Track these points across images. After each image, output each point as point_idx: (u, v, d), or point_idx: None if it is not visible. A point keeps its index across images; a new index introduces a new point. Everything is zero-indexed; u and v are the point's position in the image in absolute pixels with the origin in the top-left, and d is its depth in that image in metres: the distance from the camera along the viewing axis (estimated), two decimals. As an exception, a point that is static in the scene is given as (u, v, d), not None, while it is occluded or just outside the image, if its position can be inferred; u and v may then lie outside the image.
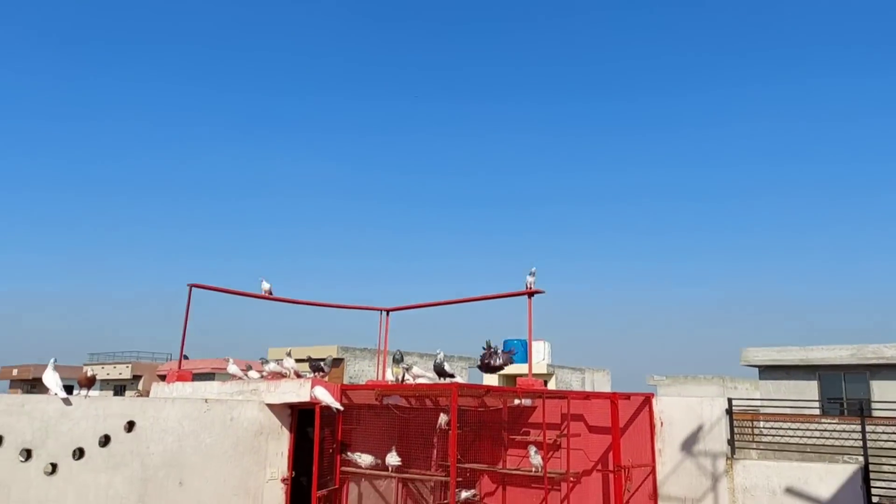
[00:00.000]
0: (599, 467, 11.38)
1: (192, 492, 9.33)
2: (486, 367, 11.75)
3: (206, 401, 9.85)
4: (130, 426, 8.90)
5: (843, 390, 18.76)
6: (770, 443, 11.27)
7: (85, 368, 8.67)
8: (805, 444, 10.75)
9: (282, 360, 11.56)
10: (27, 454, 8.06)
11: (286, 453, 10.47)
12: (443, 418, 11.61)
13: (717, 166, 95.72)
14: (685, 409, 11.25)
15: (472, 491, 11.83)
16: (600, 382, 28.65)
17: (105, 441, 8.66)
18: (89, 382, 8.95)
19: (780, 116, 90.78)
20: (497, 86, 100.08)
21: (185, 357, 12.18)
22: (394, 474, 10.97)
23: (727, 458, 10.60)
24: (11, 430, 7.95)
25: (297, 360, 11.46)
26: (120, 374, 37.35)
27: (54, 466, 8.23)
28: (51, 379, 8.55)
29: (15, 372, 37.35)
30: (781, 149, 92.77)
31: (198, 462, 9.44)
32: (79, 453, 8.43)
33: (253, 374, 11.44)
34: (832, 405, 18.01)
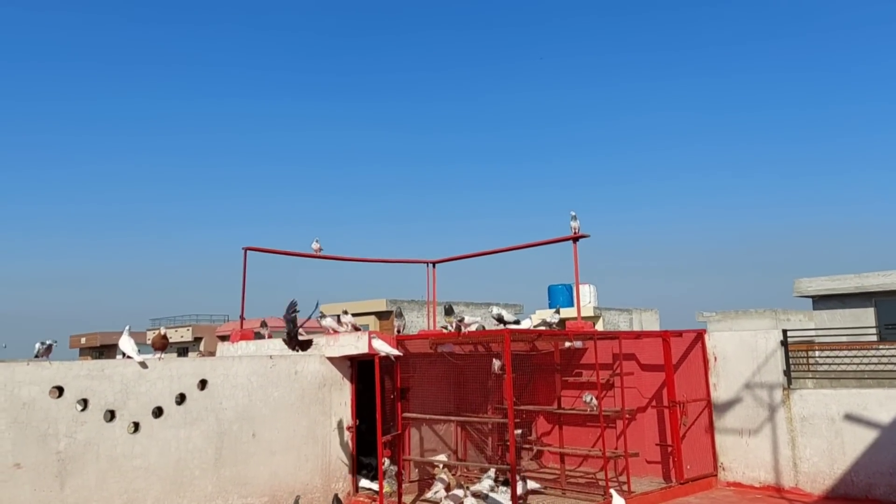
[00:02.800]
0: (654, 404, 11.57)
1: (265, 442, 9.83)
2: (292, 341, 9.93)
3: (270, 357, 10.28)
4: (203, 384, 9.38)
5: (901, 316, 18.45)
6: (826, 372, 11.26)
7: (159, 329, 9.12)
8: (862, 372, 10.72)
9: (339, 315, 11.94)
10: (111, 415, 8.59)
11: (349, 403, 10.90)
12: (496, 363, 11.89)
13: (757, 104, 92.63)
14: (739, 343, 11.31)
15: (529, 430, 12.16)
16: (648, 322, 28.62)
17: (181, 399, 9.16)
18: (163, 344, 9.41)
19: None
20: (534, 36, 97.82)
21: (244, 318, 12.65)
22: (452, 418, 11.35)
23: (783, 389, 10.67)
24: (94, 393, 8.46)
25: (353, 314, 11.82)
26: (181, 336, 38.67)
27: (136, 425, 8.76)
28: (127, 344, 9.06)
29: (83, 340, 39.03)
30: (831, 87, 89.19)
31: (268, 414, 9.92)
32: (158, 412, 8.94)
33: (328, 322, 11.67)
34: (889, 331, 17.76)
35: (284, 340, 10.02)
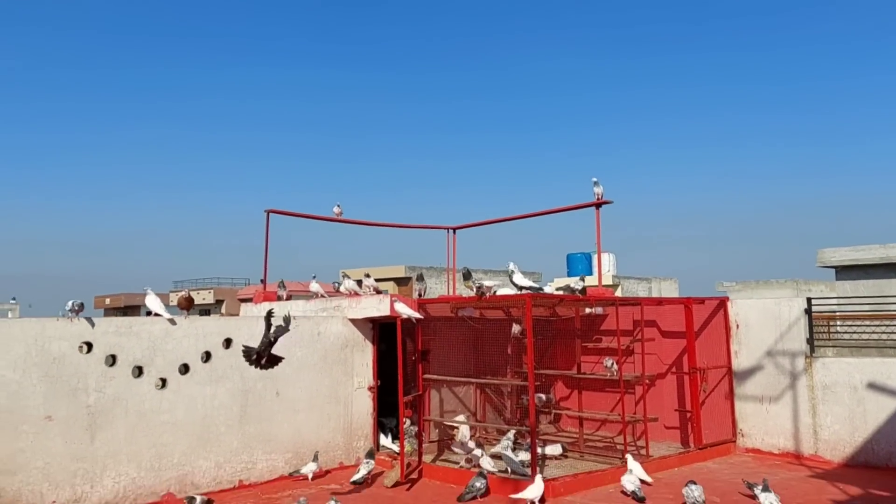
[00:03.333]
0: (674, 370, 11.58)
1: (289, 401, 9.98)
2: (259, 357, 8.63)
3: (294, 318, 10.37)
4: (228, 343, 9.51)
5: (926, 287, 18.19)
6: (848, 341, 11.18)
7: (185, 291, 9.26)
8: (885, 342, 10.63)
9: (360, 279, 12.01)
10: (138, 371, 8.75)
11: (371, 364, 11.02)
12: (516, 328, 11.94)
13: (784, 76, 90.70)
14: (762, 311, 11.25)
15: (549, 395, 12.24)
16: (668, 291, 28.47)
17: (207, 357, 9.30)
18: (188, 304, 9.53)
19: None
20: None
21: (263, 281, 12.76)
22: (472, 380, 11.44)
23: (806, 357, 10.62)
24: (122, 350, 8.61)
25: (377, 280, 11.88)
26: (203, 299, 39.08)
27: (164, 381, 8.92)
28: (153, 302, 9.19)
29: (108, 301, 39.57)
30: (858, 56, 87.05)
31: (291, 374, 10.05)
32: (184, 369, 9.10)
33: (348, 284, 11.76)
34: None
35: (248, 356, 8.68)
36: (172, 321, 8.99)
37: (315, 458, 9.74)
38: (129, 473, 8.46)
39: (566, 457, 10.44)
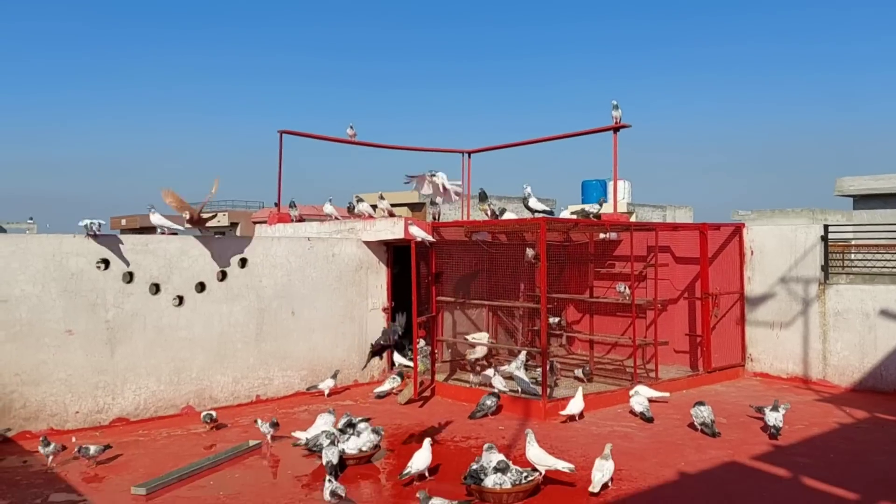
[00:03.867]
0: (686, 296, 11.61)
1: (304, 320, 10.13)
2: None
3: (308, 239, 10.42)
4: (243, 263, 9.59)
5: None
6: (861, 269, 11.12)
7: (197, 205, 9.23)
8: (900, 270, 10.57)
9: (375, 204, 12.00)
10: (156, 288, 8.86)
11: (384, 286, 11.11)
12: (529, 252, 11.94)
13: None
14: (778, 238, 11.17)
15: (560, 318, 12.34)
16: (682, 219, 28.29)
17: (222, 276, 9.40)
18: (198, 221, 9.45)
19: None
20: None
21: (276, 205, 12.75)
22: (485, 302, 11.54)
23: (819, 284, 10.60)
24: (139, 267, 8.70)
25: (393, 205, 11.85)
26: (218, 221, 39.09)
27: (181, 299, 9.05)
28: (157, 219, 9.36)
29: (123, 222, 39.70)
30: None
31: (306, 294, 10.16)
32: (200, 287, 9.21)
33: (363, 207, 11.84)
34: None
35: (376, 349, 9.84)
36: (174, 231, 9.33)
37: (334, 376, 9.97)
38: (149, 386, 8.68)
39: (583, 380, 10.53)
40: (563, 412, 8.69)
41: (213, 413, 8.34)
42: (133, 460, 7.06)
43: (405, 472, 6.35)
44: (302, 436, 7.40)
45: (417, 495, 5.32)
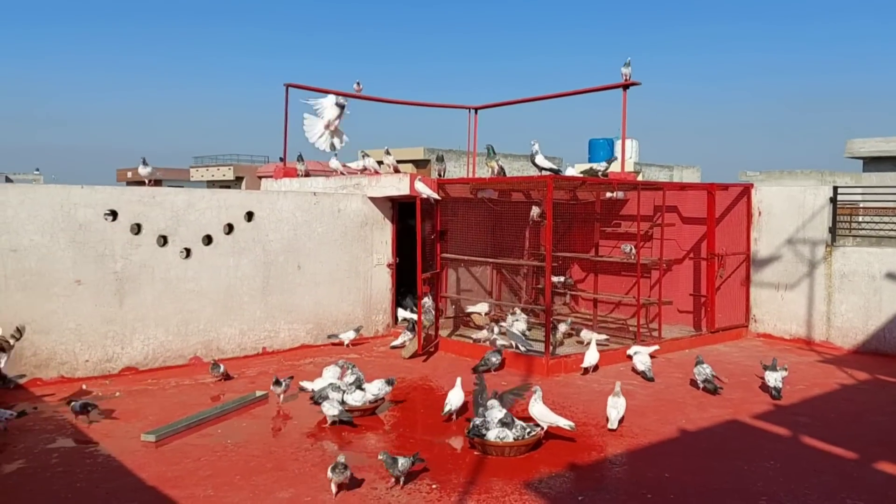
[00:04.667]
0: (692, 256, 11.62)
1: (310, 274, 10.18)
2: None
3: (314, 194, 10.41)
4: (250, 216, 9.60)
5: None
6: (869, 231, 11.07)
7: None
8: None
9: (381, 160, 11.94)
10: (163, 240, 8.89)
11: (390, 242, 11.13)
12: (535, 210, 11.89)
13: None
14: (786, 199, 11.11)
15: (567, 277, 12.38)
16: (690, 179, 28.09)
17: (229, 229, 9.41)
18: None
19: None
20: None
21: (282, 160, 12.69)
22: (489, 260, 11.56)
23: (826, 246, 10.58)
24: (147, 219, 8.72)
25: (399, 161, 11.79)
26: (223, 175, 38.99)
27: (188, 251, 9.08)
28: (144, 171, 10.43)
29: (129, 174, 39.69)
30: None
31: (312, 248, 10.19)
32: (207, 240, 9.24)
33: (369, 162, 11.89)
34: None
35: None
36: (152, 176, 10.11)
37: (357, 329, 10.27)
38: (157, 337, 8.78)
39: (571, 334, 10.51)
40: (583, 365, 8.95)
41: (222, 366, 8.42)
42: (142, 408, 7.18)
43: (445, 410, 6.94)
44: (309, 385, 7.54)
45: (380, 457, 5.35)
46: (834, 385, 8.50)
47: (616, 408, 6.69)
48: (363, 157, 12.08)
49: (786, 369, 8.27)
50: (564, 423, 6.30)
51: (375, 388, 7.16)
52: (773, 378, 7.93)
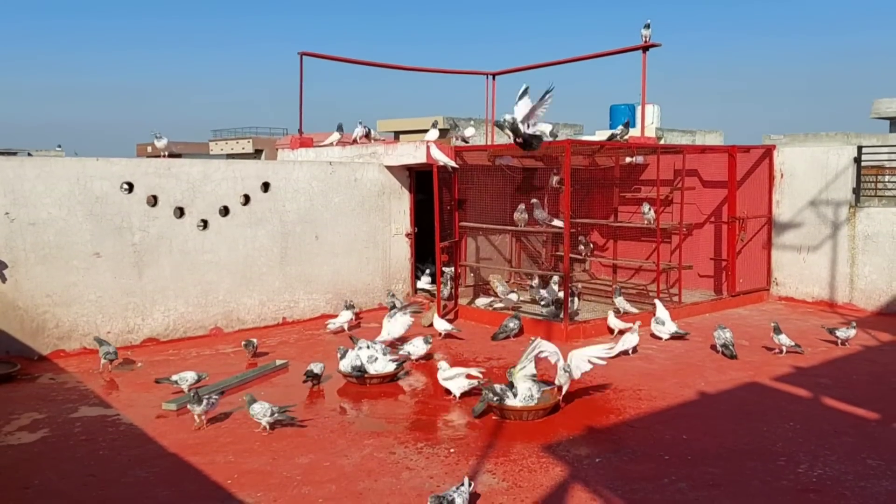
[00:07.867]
0: (713, 220, 11.45)
1: (328, 245, 10.19)
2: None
3: (330, 163, 10.38)
4: (266, 187, 9.60)
5: None
6: (894, 192, 10.84)
7: None
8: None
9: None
10: (180, 212, 8.93)
11: (407, 211, 11.10)
12: (553, 178, 11.76)
13: None
14: (809, 160, 10.89)
15: (588, 243, 12.27)
16: (712, 143, 27.69)
17: (246, 200, 9.43)
18: None
19: None
20: None
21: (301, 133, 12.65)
22: (508, 228, 11.48)
23: (850, 207, 10.37)
24: (163, 191, 8.75)
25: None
26: (243, 148, 39.18)
27: (205, 222, 9.13)
28: (160, 143, 10.82)
29: (149, 149, 40.03)
30: None
31: (329, 219, 10.19)
32: (224, 211, 9.27)
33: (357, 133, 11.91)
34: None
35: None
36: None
37: (349, 307, 9.63)
38: (177, 308, 8.87)
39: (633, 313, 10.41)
40: (622, 348, 8.09)
41: (255, 340, 8.25)
42: (164, 378, 7.27)
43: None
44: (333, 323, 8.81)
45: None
46: (856, 347, 8.38)
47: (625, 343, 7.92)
48: (358, 125, 12.00)
49: (854, 326, 8.43)
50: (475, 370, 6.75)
51: (415, 345, 7.81)
52: (779, 340, 8.05)
